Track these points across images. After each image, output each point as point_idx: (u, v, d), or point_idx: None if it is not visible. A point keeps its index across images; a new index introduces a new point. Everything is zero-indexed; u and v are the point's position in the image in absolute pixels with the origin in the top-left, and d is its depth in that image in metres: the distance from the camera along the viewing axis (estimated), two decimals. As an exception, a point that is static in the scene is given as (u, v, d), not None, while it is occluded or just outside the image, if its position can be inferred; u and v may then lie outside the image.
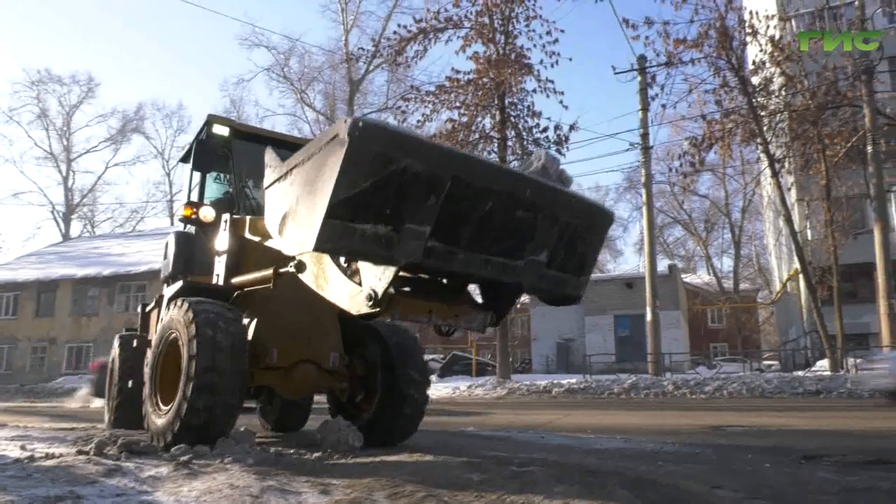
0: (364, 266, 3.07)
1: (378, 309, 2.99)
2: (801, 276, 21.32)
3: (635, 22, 18.49)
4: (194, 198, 5.99)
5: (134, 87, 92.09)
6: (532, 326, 34.10)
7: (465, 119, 19.70)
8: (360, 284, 3.12)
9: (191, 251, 5.66)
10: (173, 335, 4.20)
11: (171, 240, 5.90)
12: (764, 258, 46.05)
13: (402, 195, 2.68)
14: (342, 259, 3.27)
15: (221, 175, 6.22)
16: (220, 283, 4.77)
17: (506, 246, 3.20)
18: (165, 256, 5.94)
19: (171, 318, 4.26)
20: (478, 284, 3.70)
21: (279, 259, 3.80)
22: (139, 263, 34.67)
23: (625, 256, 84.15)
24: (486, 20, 20.22)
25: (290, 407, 6.64)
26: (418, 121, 19.96)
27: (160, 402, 4.27)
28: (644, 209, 21.09)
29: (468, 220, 2.98)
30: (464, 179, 2.84)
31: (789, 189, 22.91)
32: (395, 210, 2.69)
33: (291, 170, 2.99)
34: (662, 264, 32.87)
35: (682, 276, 39.65)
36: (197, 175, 6.07)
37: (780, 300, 34.23)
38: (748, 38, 18.50)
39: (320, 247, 2.60)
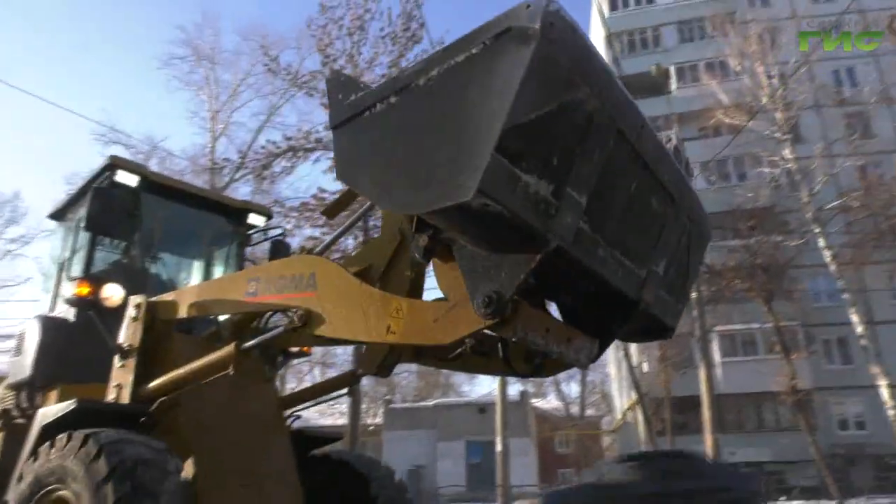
0: (466, 257, 2.04)
1: (498, 319, 1.97)
2: (638, 406, 22.61)
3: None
4: (77, 271, 4.44)
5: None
6: (384, 452, 32.94)
7: (327, 238, 19.62)
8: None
9: (68, 347, 4.04)
10: (59, 492, 2.76)
11: (34, 329, 4.17)
12: (608, 385, 48.59)
13: (570, 141, 1.89)
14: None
15: (109, 240, 4.60)
16: (125, 397, 3.28)
17: (636, 245, 2.38)
18: (18, 352, 4.22)
19: (57, 460, 2.79)
20: (564, 303, 2.67)
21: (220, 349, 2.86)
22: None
23: (479, 377, 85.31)
24: (358, 146, 20.77)
25: None
26: (282, 233, 19.62)
27: None
28: (498, 337, 21.66)
29: (613, 199, 2.17)
30: (627, 137, 2.08)
31: (628, 324, 24.69)
32: (562, 161, 1.87)
33: (405, 88, 1.98)
34: (515, 388, 33.62)
35: (533, 400, 40.69)
36: (84, 238, 4.53)
37: (621, 428, 35.88)
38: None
39: (477, 195, 1.64)
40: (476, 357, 2.91)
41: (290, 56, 54.58)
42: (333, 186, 19.79)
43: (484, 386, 59.79)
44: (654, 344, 23.46)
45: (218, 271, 5.31)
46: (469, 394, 47.94)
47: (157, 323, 3.44)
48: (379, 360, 2.99)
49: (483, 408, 30.52)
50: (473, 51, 1.79)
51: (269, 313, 3.24)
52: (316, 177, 68.10)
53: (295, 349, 4.21)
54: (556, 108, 1.79)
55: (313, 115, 32.84)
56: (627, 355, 20.38)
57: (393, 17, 19.47)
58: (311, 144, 20.37)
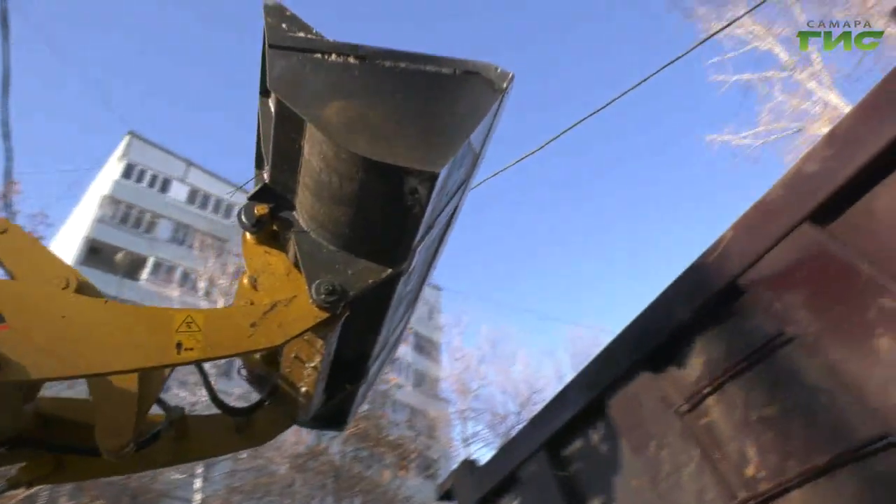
0: (308, 242, 1.75)
1: (331, 315, 1.67)
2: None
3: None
4: None
5: None
6: None
7: None
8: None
9: None
10: None
11: None
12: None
13: (457, 187, 1.91)
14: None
15: None
16: None
17: (399, 317, 2.21)
18: None
19: None
20: None
21: None
22: None
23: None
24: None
25: None
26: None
27: None
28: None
29: (421, 260, 2.00)
30: (455, 214, 2.10)
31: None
32: (449, 200, 1.91)
33: (366, 57, 1.70)
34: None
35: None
36: None
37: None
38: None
39: (439, 171, 1.54)
40: (178, 441, 2.14)
41: None
42: None
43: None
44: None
45: None
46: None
47: None
48: (130, 428, 1.85)
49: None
50: (443, 70, 1.73)
51: None
52: None
53: None
54: (475, 154, 1.83)
55: None
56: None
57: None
58: None
